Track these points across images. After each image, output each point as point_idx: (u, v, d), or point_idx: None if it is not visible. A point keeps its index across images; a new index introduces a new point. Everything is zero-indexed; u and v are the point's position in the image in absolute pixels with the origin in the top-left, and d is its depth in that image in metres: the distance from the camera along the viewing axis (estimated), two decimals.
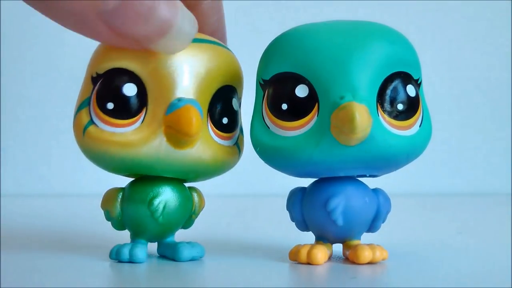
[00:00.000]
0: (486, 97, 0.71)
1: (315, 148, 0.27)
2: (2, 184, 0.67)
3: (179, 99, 0.27)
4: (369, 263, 0.28)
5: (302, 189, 0.29)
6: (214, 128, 0.28)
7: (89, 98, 0.28)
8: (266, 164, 0.29)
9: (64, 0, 0.25)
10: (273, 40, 0.29)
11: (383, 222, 0.29)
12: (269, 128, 0.28)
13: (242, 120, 0.30)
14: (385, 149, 0.27)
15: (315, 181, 0.29)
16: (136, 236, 0.29)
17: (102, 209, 0.30)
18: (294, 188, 0.30)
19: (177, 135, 0.27)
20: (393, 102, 0.27)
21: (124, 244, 0.29)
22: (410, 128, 0.27)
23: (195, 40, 0.28)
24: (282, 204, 0.30)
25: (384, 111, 0.27)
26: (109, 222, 0.30)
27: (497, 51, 0.71)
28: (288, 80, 0.28)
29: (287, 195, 0.30)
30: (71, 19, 0.25)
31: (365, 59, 0.26)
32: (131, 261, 0.28)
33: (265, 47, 0.29)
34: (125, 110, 0.27)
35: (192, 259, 0.29)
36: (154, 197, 0.28)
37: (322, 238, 0.29)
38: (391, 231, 0.32)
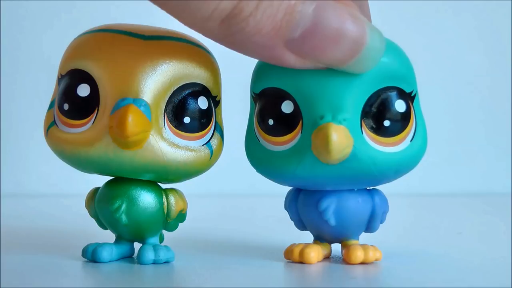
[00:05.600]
0: (486, 96, 0.71)
1: (297, 165, 0.27)
2: (2, 184, 0.67)
3: (123, 99, 0.26)
4: (362, 263, 0.28)
5: (298, 189, 0.29)
6: (173, 128, 0.27)
7: (55, 99, 0.28)
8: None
9: (251, 35, 0.24)
10: None
11: (381, 223, 0.29)
12: (259, 141, 0.28)
13: (223, 121, 0.29)
14: (369, 166, 0.27)
15: None
16: (118, 235, 0.29)
17: (86, 208, 0.30)
18: (291, 188, 0.30)
19: (116, 136, 0.26)
20: (379, 118, 0.27)
21: (93, 244, 0.29)
22: (399, 144, 0.27)
23: (152, 38, 0.28)
24: (282, 203, 0.30)
25: (369, 128, 0.27)
26: None
27: (496, 51, 0.71)
28: (275, 95, 0.27)
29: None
30: (258, 50, 0.25)
31: (349, 76, 0.26)
32: (94, 260, 0.28)
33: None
34: (78, 110, 0.27)
35: (154, 263, 0.28)
36: (115, 197, 0.28)
37: (319, 238, 0.29)
38: (391, 231, 0.32)
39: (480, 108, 0.71)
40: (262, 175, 0.29)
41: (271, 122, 0.27)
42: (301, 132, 0.27)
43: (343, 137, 0.26)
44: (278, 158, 0.27)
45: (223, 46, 0.25)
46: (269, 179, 0.29)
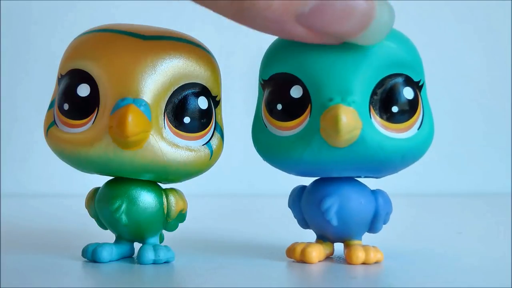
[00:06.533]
0: (486, 96, 0.71)
1: (305, 148, 0.27)
2: (2, 184, 0.67)
3: (123, 99, 0.27)
4: (363, 264, 0.28)
5: (302, 188, 0.30)
6: (173, 128, 0.28)
7: (55, 99, 0.28)
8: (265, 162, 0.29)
9: (262, 10, 0.24)
10: (272, 42, 0.29)
11: (385, 223, 0.29)
12: (266, 127, 0.28)
13: (223, 121, 0.30)
14: (376, 151, 0.27)
15: (315, 180, 0.29)
16: (118, 235, 0.29)
17: (86, 208, 0.30)
18: (296, 186, 0.30)
19: (116, 136, 0.26)
20: (387, 104, 0.27)
21: (93, 244, 0.29)
22: (407, 131, 0.27)
23: (152, 38, 0.28)
24: (285, 203, 0.30)
25: (377, 113, 0.27)
26: None
27: (496, 51, 0.71)
28: (284, 80, 0.28)
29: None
30: (268, 25, 0.25)
31: (358, 61, 0.26)
32: (94, 260, 0.28)
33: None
34: (78, 110, 0.27)
35: (154, 263, 0.28)
36: (115, 197, 0.28)
37: (322, 237, 0.29)
38: (391, 231, 0.32)
39: (480, 108, 0.71)
40: (268, 162, 0.29)
41: (279, 107, 0.28)
42: (309, 116, 0.27)
43: (352, 118, 0.26)
44: (285, 143, 0.27)
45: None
46: (275, 166, 0.29)
